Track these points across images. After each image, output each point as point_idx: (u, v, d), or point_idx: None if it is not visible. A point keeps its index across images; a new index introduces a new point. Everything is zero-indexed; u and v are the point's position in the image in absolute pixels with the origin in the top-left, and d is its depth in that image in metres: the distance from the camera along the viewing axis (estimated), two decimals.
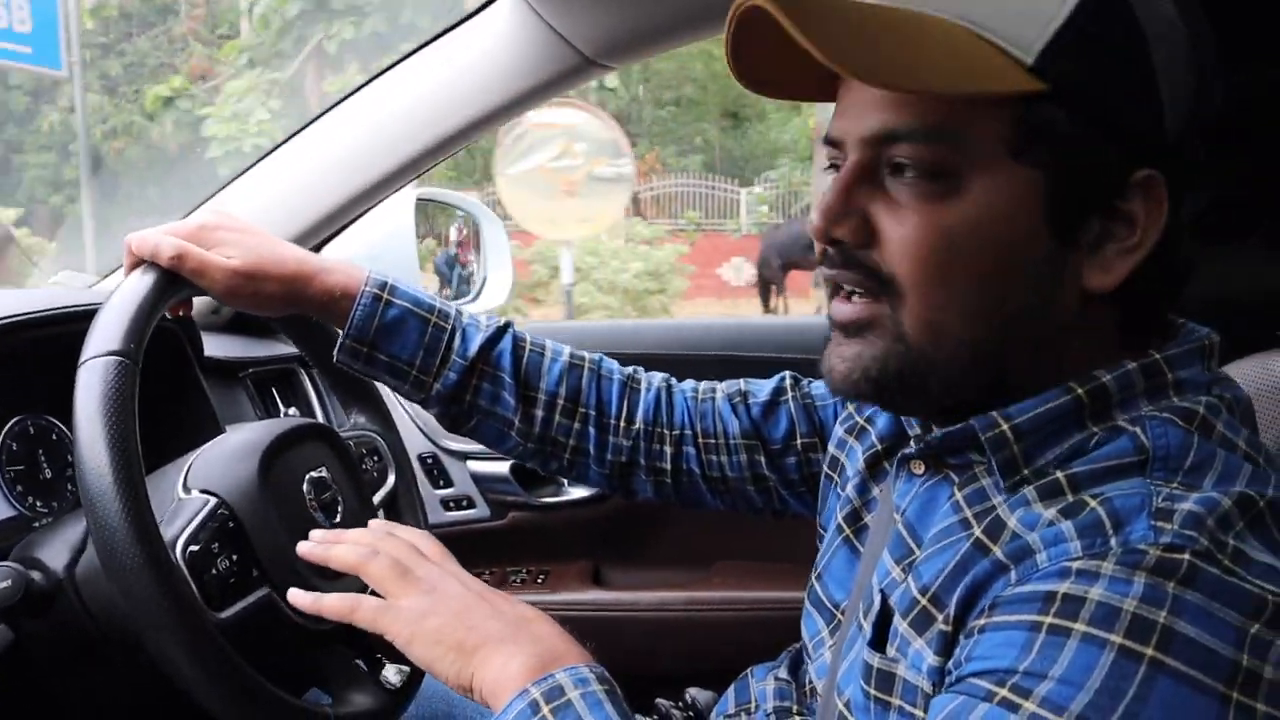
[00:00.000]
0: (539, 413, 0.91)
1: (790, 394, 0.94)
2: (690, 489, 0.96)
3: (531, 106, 1.17)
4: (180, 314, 0.92)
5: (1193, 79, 0.57)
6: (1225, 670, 0.46)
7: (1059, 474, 0.57)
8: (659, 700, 0.95)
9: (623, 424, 0.93)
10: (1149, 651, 0.47)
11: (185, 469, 0.81)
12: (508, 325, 0.93)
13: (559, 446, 0.93)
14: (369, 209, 1.27)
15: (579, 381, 0.93)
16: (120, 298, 0.78)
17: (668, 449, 0.94)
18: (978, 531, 0.58)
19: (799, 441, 0.92)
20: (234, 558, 0.76)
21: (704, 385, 0.97)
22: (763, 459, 0.93)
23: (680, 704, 0.98)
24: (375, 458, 1.04)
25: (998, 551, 0.56)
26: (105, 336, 0.73)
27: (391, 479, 1.04)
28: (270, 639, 0.79)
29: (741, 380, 0.97)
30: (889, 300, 0.60)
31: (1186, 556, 0.49)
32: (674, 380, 0.97)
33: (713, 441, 0.93)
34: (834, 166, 0.63)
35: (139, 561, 0.66)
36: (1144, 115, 0.56)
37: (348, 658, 0.85)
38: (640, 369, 0.97)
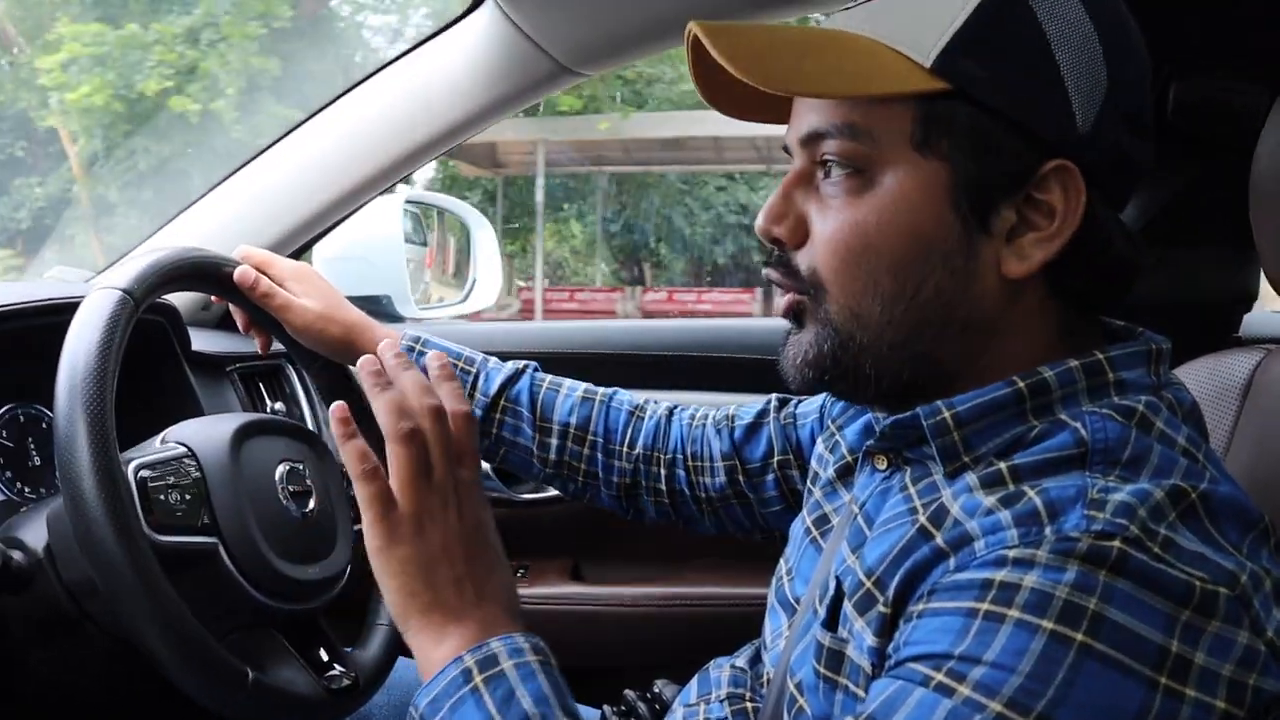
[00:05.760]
0: (554, 441, 1.01)
1: (773, 416, 0.99)
2: (684, 510, 1.02)
3: (508, 113, 1.20)
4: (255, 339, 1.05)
5: (1105, 75, 0.60)
6: (1153, 656, 0.48)
7: (1001, 465, 0.59)
8: (626, 691, 0.97)
9: (625, 449, 1.01)
10: (1078, 637, 0.48)
11: (165, 432, 0.86)
12: (526, 367, 1.03)
13: (573, 470, 1.02)
14: (348, 215, 1.30)
15: (590, 412, 1.02)
16: (156, 252, 0.85)
17: (662, 471, 1.01)
18: (922, 518, 0.60)
19: (775, 460, 0.97)
20: (187, 497, 0.79)
21: (700, 412, 1.03)
22: (741, 478, 0.98)
23: (648, 695, 1.01)
24: None
25: (939, 538, 0.57)
26: (119, 274, 0.80)
27: None
28: (206, 592, 0.80)
29: (733, 405, 1.02)
30: (816, 293, 0.64)
31: (1117, 544, 0.50)
32: (678, 408, 1.04)
33: (700, 464, 1.00)
34: None
35: (87, 464, 0.69)
36: (1050, 110, 0.59)
37: (279, 641, 0.86)
38: (652, 399, 1.05)
